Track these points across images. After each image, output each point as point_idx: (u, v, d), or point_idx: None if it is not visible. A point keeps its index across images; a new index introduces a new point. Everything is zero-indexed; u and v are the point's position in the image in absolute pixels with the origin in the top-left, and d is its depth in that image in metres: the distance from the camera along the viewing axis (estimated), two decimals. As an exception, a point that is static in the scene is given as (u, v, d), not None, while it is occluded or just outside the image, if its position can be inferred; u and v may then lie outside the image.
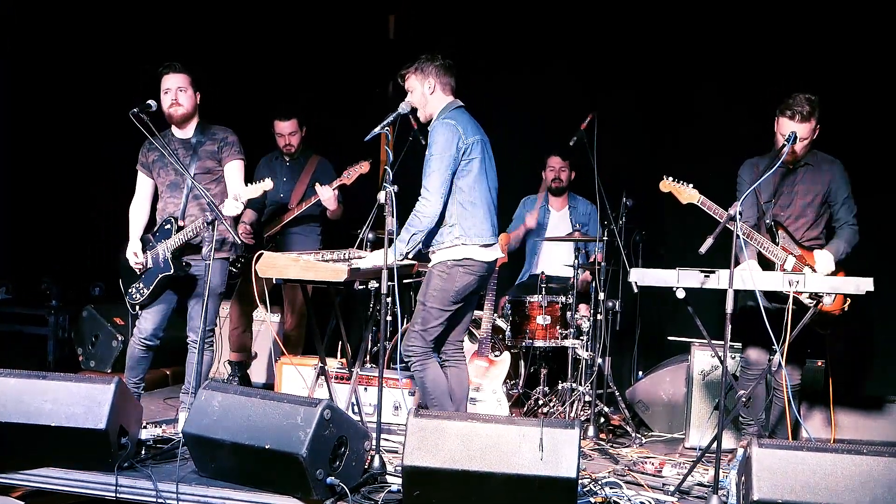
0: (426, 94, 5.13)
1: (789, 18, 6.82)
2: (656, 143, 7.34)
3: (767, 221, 5.37)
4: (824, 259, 5.19)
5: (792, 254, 5.28)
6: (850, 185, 5.30)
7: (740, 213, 4.70)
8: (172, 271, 5.55)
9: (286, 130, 6.97)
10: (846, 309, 5.12)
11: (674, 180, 5.32)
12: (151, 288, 5.61)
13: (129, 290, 5.70)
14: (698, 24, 7.11)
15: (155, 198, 5.83)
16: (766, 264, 5.24)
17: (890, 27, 6.54)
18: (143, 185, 5.83)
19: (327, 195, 6.73)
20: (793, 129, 5.13)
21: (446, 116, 5.06)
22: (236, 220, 5.91)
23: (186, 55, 6.58)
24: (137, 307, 5.70)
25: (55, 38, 7.87)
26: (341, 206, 6.92)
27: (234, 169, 5.70)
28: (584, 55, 7.49)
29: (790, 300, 4.95)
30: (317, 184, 6.78)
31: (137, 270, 5.66)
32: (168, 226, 5.60)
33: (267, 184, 5.47)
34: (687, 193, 5.29)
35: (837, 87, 6.64)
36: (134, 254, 5.66)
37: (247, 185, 5.50)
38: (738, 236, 4.64)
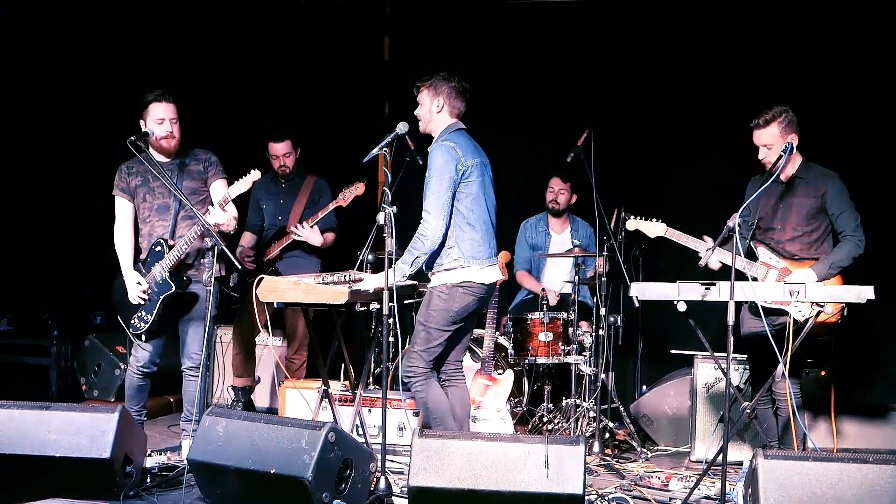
0: (433, 110, 5.15)
1: (787, 23, 6.84)
2: (655, 147, 7.34)
3: (746, 241, 5.40)
4: (804, 277, 5.18)
5: (774, 268, 5.30)
6: (847, 195, 5.27)
7: (739, 225, 4.73)
8: (174, 288, 5.50)
9: (280, 152, 6.98)
10: (845, 314, 5.11)
11: (639, 218, 5.58)
12: (155, 312, 5.54)
13: (132, 322, 5.61)
14: (694, 29, 7.14)
15: (135, 224, 5.75)
16: None
17: (891, 36, 6.58)
18: (125, 210, 5.71)
19: (306, 234, 6.77)
20: (757, 139, 5.28)
21: (445, 139, 5.08)
22: (234, 243, 5.87)
23: (181, 75, 6.61)
24: (143, 336, 5.60)
25: (53, 59, 7.90)
26: (330, 234, 6.94)
27: (219, 188, 5.65)
28: (582, 62, 7.50)
29: (790, 315, 4.98)
30: (295, 225, 6.82)
31: (142, 301, 5.58)
32: (159, 248, 5.54)
33: (254, 174, 5.40)
34: (653, 228, 5.53)
35: (837, 92, 6.68)
36: (137, 283, 5.56)
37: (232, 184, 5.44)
38: (736, 246, 4.66)
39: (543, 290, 6.76)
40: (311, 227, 6.78)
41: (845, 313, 5.03)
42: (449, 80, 5.14)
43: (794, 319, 5.01)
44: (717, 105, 7.00)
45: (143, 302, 5.57)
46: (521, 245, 7.33)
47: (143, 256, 5.65)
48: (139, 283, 5.57)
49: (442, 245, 5.04)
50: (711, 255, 5.00)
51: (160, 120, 5.53)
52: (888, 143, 6.60)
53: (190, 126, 5.71)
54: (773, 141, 5.24)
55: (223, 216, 5.39)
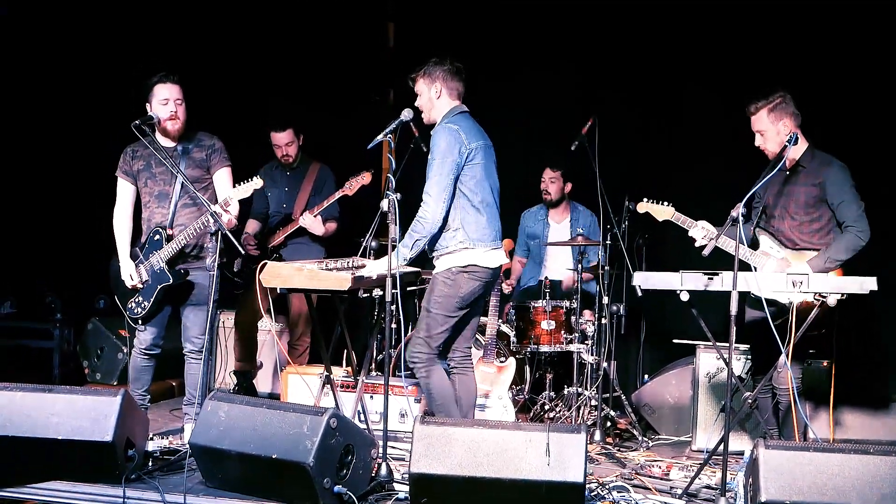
0: (433, 97, 5.15)
1: (788, 22, 6.83)
2: (656, 147, 7.35)
3: (751, 229, 5.40)
4: (800, 271, 5.16)
5: (773, 257, 5.30)
6: (848, 184, 5.21)
7: (743, 215, 4.73)
8: (171, 280, 5.53)
9: (283, 141, 6.97)
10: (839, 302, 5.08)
11: (650, 201, 5.56)
12: (152, 300, 5.57)
13: (129, 306, 5.65)
14: (694, 26, 7.13)
15: (137, 208, 5.76)
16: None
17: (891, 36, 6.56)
18: (126, 192, 5.72)
19: (309, 222, 6.76)
20: (752, 126, 5.32)
21: (449, 121, 5.07)
22: (238, 229, 5.89)
23: (183, 63, 6.59)
24: (139, 321, 5.64)
25: (52, 50, 7.90)
26: (332, 224, 6.94)
27: (223, 176, 5.67)
28: (582, 61, 7.51)
29: (793, 304, 4.97)
30: (301, 215, 6.82)
31: (137, 288, 5.62)
32: (157, 236, 5.55)
33: (256, 182, 5.41)
34: (662, 211, 5.52)
35: (837, 91, 6.68)
36: (129, 275, 5.59)
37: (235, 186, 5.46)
38: (740, 237, 4.66)
39: (546, 277, 6.76)
40: (315, 216, 6.77)
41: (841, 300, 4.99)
42: (441, 63, 5.14)
43: (795, 308, 4.98)
44: (717, 105, 6.99)
45: (139, 287, 5.59)
46: (521, 235, 7.35)
47: (141, 240, 5.66)
48: (131, 275, 5.60)
49: (444, 228, 5.03)
50: (714, 244, 4.99)
51: (164, 101, 5.52)
52: (889, 142, 6.59)
53: (191, 124, 5.70)
54: (764, 126, 5.26)
55: (224, 216, 5.35)
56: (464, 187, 5.03)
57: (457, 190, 5.02)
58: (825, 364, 6.00)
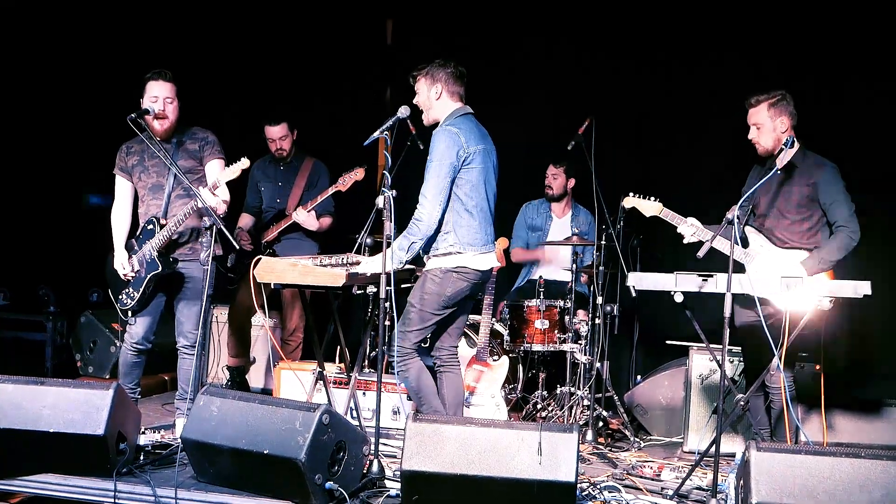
0: (431, 98, 5.13)
1: (787, 20, 6.84)
2: (655, 147, 7.35)
3: (741, 227, 5.40)
4: (794, 272, 5.16)
5: (763, 256, 5.30)
6: (841, 185, 5.22)
7: (738, 217, 4.73)
8: (161, 269, 5.51)
9: (276, 135, 6.97)
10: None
11: (636, 196, 5.56)
12: (141, 290, 5.56)
13: (119, 297, 5.65)
14: (695, 27, 7.13)
15: (135, 204, 5.77)
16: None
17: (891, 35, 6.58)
18: (124, 189, 5.74)
19: (303, 217, 6.76)
20: (749, 119, 5.31)
21: (450, 123, 5.05)
22: (232, 224, 5.87)
23: (182, 58, 6.60)
24: (129, 313, 5.63)
25: (50, 40, 7.88)
26: (326, 219, 6.94)
27: (215, 168, 5.64)
28: (582, 59, 7.51)
29: (787, 307, 4.97)
30: (295, 210, 6.81)
31: (129, 279, 5.62)
32: (151, 226, 5.55)
33: (243, 162, 5.36)
34: (649, 207, 5.52)
35: (837, 89, 6.68)
36: (122, 265, 5.61)
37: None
38: (735, 239, 4.66)
39: (540, 277, 6.75)
40: (309, 211, 6.77)
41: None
42: (445, 65, 5.11)
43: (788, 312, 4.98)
44: (717, 105, 6.99)
45: (130, 279, 5.59)
46: (520, 226, 7.36)
47: (137, 233, 5.66)
48: (123, 264, 5.61)
49: (438, 230, 5.02)
50: (709, 245, 4.98)
51: (154, 98, 5.52)
52: (887, 141, 6.60)
53: (186, 120, 5.69)
54: (762, 120, 5.25)
55: (212, 199, 5.34)
56: (459, 191, 5.01)
57: (451, 193, 5.01)
58: (818, 367, 6.01)
